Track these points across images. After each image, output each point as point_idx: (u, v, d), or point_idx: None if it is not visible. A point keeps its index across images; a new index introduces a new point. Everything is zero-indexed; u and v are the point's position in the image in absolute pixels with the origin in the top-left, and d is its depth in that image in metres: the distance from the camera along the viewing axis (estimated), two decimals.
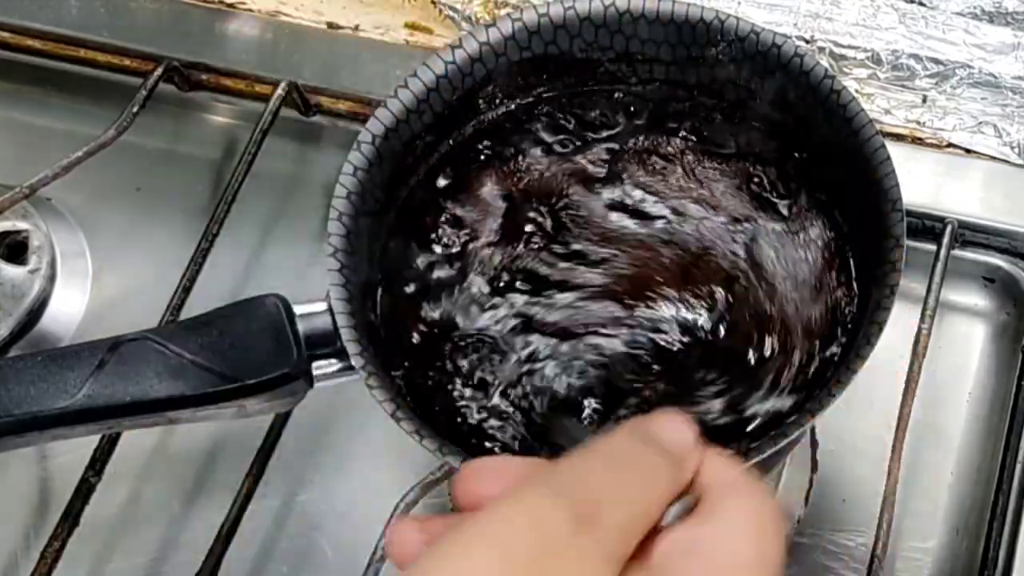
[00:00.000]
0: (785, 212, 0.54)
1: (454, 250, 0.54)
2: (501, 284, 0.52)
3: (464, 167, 0.55)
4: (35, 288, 0.70)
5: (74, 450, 0.62)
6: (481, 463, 0.35)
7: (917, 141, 0.70)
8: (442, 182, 0.55)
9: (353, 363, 0.46)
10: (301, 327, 0.47)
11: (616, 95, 0.56)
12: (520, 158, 0.56)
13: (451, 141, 0.55)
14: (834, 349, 0.50)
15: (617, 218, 0.54)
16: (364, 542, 0.57)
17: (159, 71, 0.73)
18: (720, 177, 0.55)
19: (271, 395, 0.47)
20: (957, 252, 0.67)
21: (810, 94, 0.51)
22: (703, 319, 0.51)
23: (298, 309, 0.48)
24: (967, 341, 0.68)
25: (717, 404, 0.50)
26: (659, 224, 0.54)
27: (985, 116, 0.70)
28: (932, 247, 0.65)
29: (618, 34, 0.53)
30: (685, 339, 0.51)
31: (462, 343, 0.51)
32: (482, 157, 0.55)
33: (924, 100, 0.71)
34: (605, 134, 0.55)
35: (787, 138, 0.54)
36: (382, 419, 0.46)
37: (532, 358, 0.51)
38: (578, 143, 0.55)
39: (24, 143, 0.77)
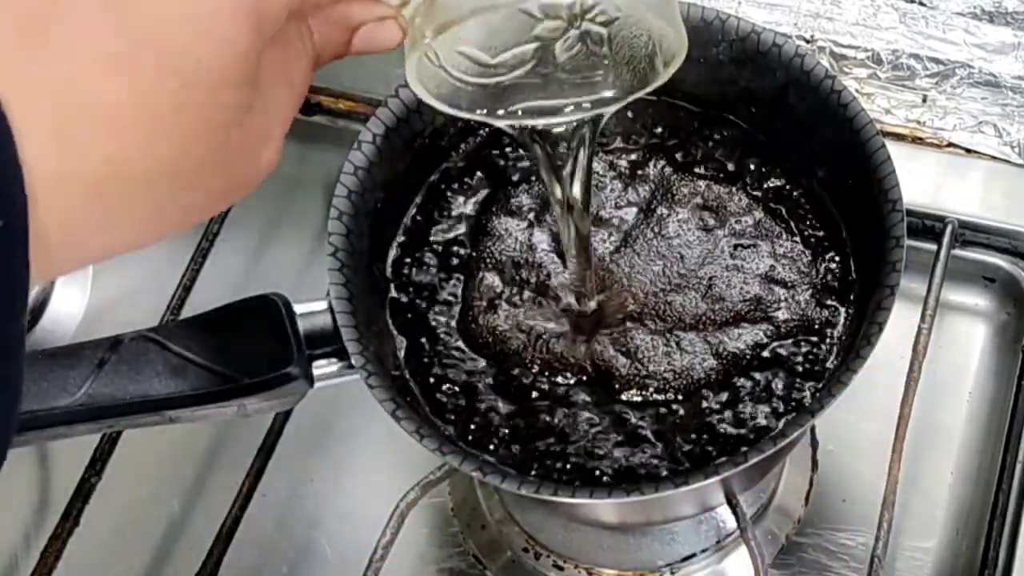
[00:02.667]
0: (785, 213, 0.54)
1: (461, 248, 0.54)
2: (512, 281, 0.53)
3: (467, 165, 0.55)
4: (35, 288, 0.70)
5: (74, 450, 0.62)
6: None
7: (917, 141, 0.70)
8: (444, 180, 0.55)
9: (353, 363, 0.47)
10: (301, 326, 0.47)
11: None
12: (522, 153, 0.56)
13: (452, 139, 0.55)
14: (833, 350, 0.50)
15: (616, 217, 0.54)
16: (364, 542, 0.57)
17: None
18: (719, 178, 0.55)
19: (271, 395, 0.47)
20: (957, 252, 0.67)
21: (810, 94, 0.51)
22: (699, 322, 0.51)
23: (298, 308, 0.48)
24: (967, 341, 0.68)
25: (717, 406, 0.50)
26: (655, 226, 0.54)
27: (985, 116, 0.70)
28: (932, 247, 0.65)
29: None
30: (684, 343, 0.51)
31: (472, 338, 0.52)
32: (485, 154, 0.56)
33: (924, 100, 0.71)
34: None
35: (787, 138, 0.54)
36: (382, 419, 0.46)
37: (542, 351, 0.51)
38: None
39: None
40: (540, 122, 0.43)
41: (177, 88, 0.27)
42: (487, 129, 0.55)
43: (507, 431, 0.49)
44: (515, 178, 0.55)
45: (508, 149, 0.55)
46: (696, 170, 0.55)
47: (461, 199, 0.55)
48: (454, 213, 0.55)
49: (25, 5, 0.25)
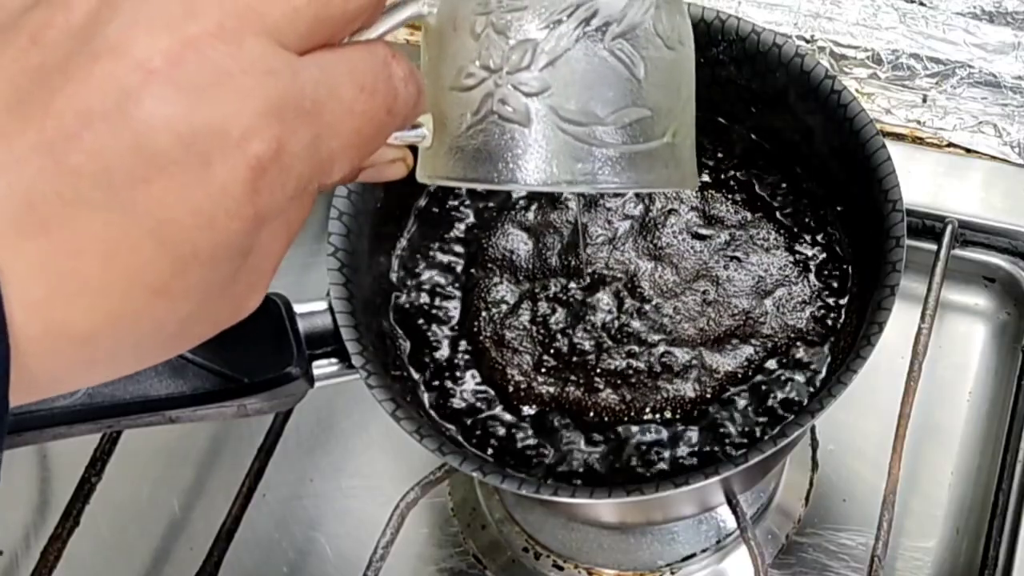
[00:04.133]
0: (784, 213, 0.54)
1: (463, 248, 0.54)
2: (518, 279, 0.53)
3: None
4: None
5: (74, 450, 0.62)
6: None
7: (917, 141, 0.70)
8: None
9: (353, 363, 0.47)
10: (301, 326, 0.47)
11: None
12: None
13: None
14: (833, 350, 0.50)
15: (617, 220, 0.54)
16: (364, 542, 0.57)
17: None
18: (717, 179, 0.55)
19: (271, 395, 0.47)
20: (957, 252, 0.67)
21: (810, 94, 0.51)
22: (694, 322, 0.51)
23: (298, 308, 0.48)
24: (967, 341, 0.68)
25: (716, 406, 0.50)
26: (652, 223, 0.54)
27: (985, 116, 0.70)
28: (932, 247, 0.65)
29: None
30: (681, 343, 0.51)
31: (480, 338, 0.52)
32: None
33: (924, 100, 0.71)
34: None
35: (787, 138, 0.54)
36: (382, 419, 0.46)
37: (548, 357, 0.51)
38: None
39: None
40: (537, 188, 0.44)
41: (173, 263, 0.28)
42: None
43: (507, 431, 0.49)
44: None
45: None
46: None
47: (462, 199, 0.55)
48: (456, 214, 0.54)
49: (29, 185, 0.26)
